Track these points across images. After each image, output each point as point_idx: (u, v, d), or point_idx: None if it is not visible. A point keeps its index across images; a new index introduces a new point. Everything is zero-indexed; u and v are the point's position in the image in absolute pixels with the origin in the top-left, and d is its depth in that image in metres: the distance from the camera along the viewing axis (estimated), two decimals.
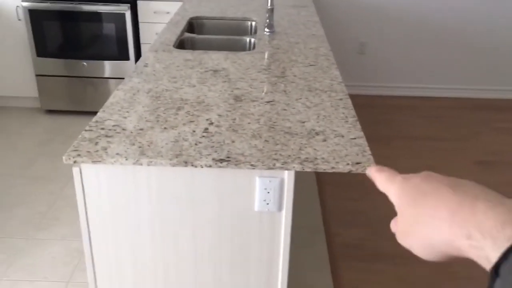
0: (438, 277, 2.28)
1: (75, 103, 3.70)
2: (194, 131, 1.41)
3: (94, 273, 1.47)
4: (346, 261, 2.36)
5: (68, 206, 2.69)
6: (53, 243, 2.42)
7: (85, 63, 3.56)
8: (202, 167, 1.27)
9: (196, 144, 1.34)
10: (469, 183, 0.46)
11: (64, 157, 1.27)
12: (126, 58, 3.53)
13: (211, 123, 1.46)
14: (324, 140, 1.38)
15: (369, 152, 1.33)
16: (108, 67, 3.57)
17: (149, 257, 1.44)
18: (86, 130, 1.40)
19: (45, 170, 3.04)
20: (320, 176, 3.02)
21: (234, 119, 1.50)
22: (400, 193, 0.51)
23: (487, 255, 0.39)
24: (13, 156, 3.20)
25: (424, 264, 2.33)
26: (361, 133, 1.43)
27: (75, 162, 1.28)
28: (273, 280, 1.48)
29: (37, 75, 3.59)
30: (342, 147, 1.35)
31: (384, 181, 0.55)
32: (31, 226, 2.54)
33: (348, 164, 1.27)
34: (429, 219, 0.46)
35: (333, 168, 1.27)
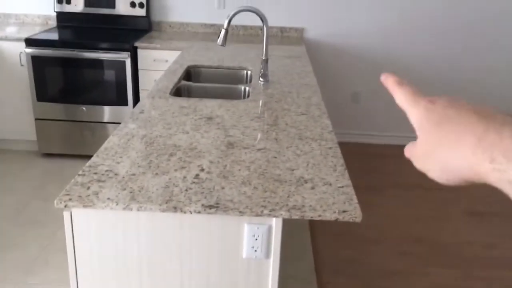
0: None
1: (72, 147, 3.74)
2: (185, 177, 1.43)
3: None
4: None
5: (60, 251, 2.67)
6: None
7: (84, 108, 3.62)
8: (191, 213, 1.29)
9: (186, 190, 1.36)
10: (495, 110, 0.45)
11: (55, 201, 1.29)
12: (125, 103, 3.60)
13: (202, 170, 1.49)
14: (312, 188, 1.41)
15: (356, 201, 1.35)
16: (107, 112, 3.63)
17: None
18: (79, 175, 1.42)
19: (39, 214, 3.04)
20: (313, 224, 3.02)
21: (225, 165, 1.53)
22: (423, 117, 0.51)
23: (509, 178, 0.40)
24: (8, 199, 3.20)
25: None
26: (349, 182, 1.46)
27: (66, 206, 1.30)
28: None
29: (36, 119, 3.65)
30: (330, 195, 1.38)
31: (406, 100, 0.53)
32: (21, 270, 2.52)
33: (334, 212, 1.29)
34: (453, 144, 0.46)
35: (320, 216, 1.29)
